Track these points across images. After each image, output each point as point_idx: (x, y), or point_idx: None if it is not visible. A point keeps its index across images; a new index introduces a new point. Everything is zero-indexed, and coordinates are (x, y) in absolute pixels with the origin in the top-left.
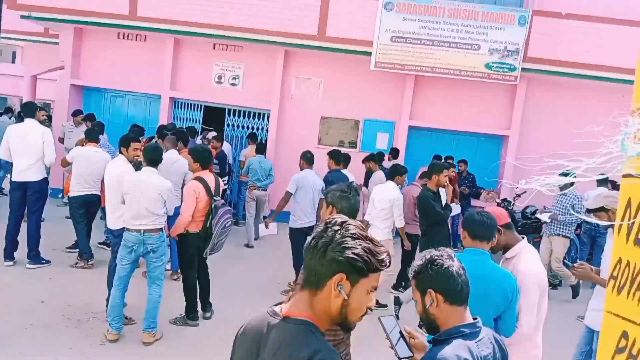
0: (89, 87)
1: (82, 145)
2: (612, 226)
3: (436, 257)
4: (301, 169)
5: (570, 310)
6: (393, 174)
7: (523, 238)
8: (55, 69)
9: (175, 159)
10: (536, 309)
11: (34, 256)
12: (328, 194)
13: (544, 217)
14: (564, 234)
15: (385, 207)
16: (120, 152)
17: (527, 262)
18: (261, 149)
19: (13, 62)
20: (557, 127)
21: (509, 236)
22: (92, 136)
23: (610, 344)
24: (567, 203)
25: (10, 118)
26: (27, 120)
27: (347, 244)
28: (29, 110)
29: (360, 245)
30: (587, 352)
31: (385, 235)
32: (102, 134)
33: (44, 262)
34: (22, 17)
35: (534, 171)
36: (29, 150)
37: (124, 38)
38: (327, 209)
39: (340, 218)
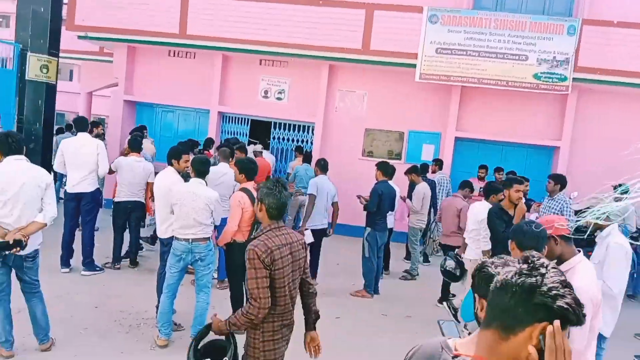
0: (141, 102)
1: (126, 155)
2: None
3: (487, 264)
4: (315, 175)
5: None
6: (489, 192)
7: (579, 251)
8: (110, 86)
9: (224, 171)
10: (588, 326)
11: (89, 263)
12: (259, 191)
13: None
14: None
15: (475, 228)
16: (170, 164)
17: (581, 278)
18: (308, 158)
19: (70, 79)
20: (609, 137)
21: (565, 248)
22: (134, 146)
23: None
24: (556, 207)
25: (73, 134)
26: (80, 134)
27: (559, 290)
28: (81, 124)
29: (570, 294)
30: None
31: (477, 255)
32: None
33: (98, 269)
34: (79, 37)
35: (587, 183)
36: (82, 163)
37: (174, 55)
38: (257, 206)
39: (541, 258)
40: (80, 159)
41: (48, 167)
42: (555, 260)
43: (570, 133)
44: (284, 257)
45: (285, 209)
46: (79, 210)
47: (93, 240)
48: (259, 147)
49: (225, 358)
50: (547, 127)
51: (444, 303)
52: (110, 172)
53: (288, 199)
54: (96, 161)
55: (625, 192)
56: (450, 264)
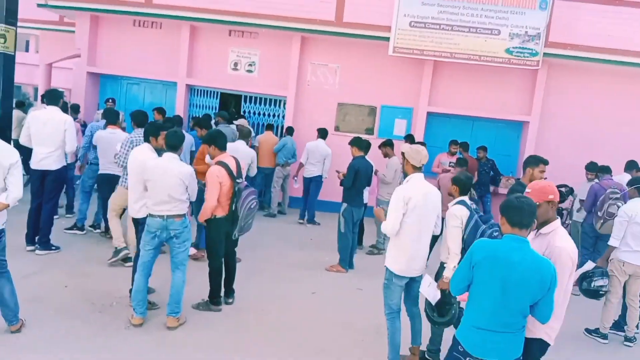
0: (106, 74)
1: (105, 128)
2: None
3: None
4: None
5: None
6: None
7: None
8: (71, 57)
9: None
10: (564, 285)
11: (44, 242)
12: None
13: None
14: None
15: None
16: (147, 141)
17: (564, 239)
18: (291, 131)
19: (27, 50)
20: (578, 112)
21: (552, 212)
22: (110, 118)
23: None
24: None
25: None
26: (50, 108)
27: None
28: (52, 97)
29: None
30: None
31: None
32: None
33: (54, 248)
34: (39, 5)
35: (555, 158)
36: (48, 137)
37: (139, 25)
38: None
39: None
40: (46, 133)
41: (7, 142)
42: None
43: (540, 108)
44: None
45: None
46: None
47: (52, 219)
48: (243, 121)
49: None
50: (517, 102)
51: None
52: (93, 146)
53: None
54: (63, 137)
55: None
56: (602, 282)
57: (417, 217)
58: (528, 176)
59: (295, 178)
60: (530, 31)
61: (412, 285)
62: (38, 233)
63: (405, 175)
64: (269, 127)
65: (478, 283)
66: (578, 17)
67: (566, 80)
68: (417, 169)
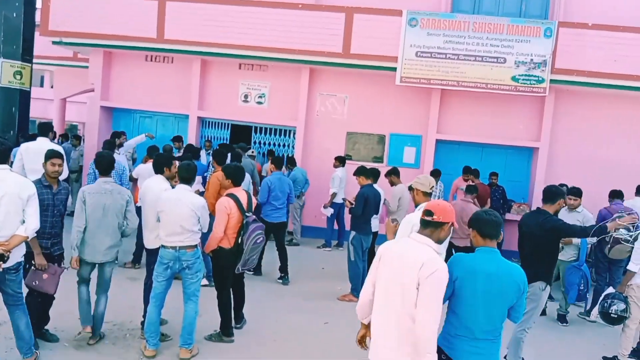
0: (119, 108)
1: (145, 163)
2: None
3: None
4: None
5: None
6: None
7: None
8: (85, 92)
9: None
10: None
11: None
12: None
13: None
14: None
15: None
16: (160, 172)
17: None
18: (293, 162)
19: (41, 86)
20: (587, 137)
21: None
22: (152, 153)
23: None
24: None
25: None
26: (40, 139)
27: None
28: (44, 129)
29: None
30: None
31: None
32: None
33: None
34: (54, 42)
35: (565, 182)
36: (40, 167)
37: (151, 60)
38: None
39: None
40: (39, 163)
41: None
42: None
43: (549, 134)
44: None
45: None
46: None
47: None
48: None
49: None
50: (526, 128)
51: None
52: (132, 179)
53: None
54: None
55: None
56: (620, 306)
57: None
58: (556, 207)
59: (325, 206)
60: (535, 58)
61: None
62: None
63: (417, 205)
64: (271, 154)
65: (459, 296)
66: (583, 44)
67: (574, 105)
68: (427, 195)
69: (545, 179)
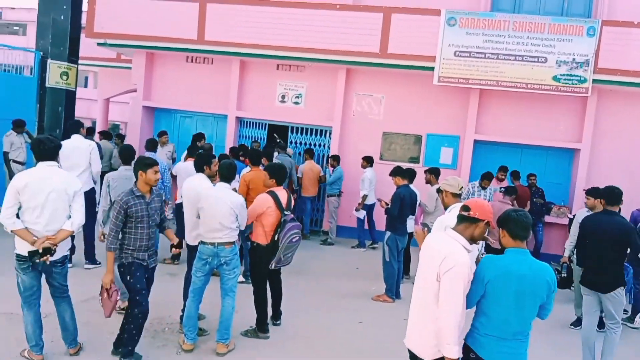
0: (160, 108)
1: (184, 161)
2: None
3: None
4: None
5: None
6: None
7: None
8: (127, 92)
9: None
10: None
11: (91, 258)
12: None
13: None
14: None
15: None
16: (202, 171)
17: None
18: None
19: (85, 86)
20: (631, 138)
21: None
22: (192, 152)
23: None
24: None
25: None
26: (74, 136)
27: None
28: (74, 127)
29: None
30: None
31: None
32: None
33: (98, 263)
34: (99, 44)
35: (607, 184)
36: (75, 163)
37: (192, 61)
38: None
39: None
40: (73, 160)
41: None
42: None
43: (591, 135)
44: None
45: None
46: None
47: (92, 238)
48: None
49: None
50: (567, 129)
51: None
52: (173, 176)
53: None
54: (88, 161)
55: None
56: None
57: None
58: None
59: (357, 208)
60: (578, 58)
61: None
62: (73, 251)
63: (446, 208)
64: (309, 152)
65: (491, 297)
66: (627, 43)
67: (617, 106)
68: (457, 196)
69: (587, 180)
